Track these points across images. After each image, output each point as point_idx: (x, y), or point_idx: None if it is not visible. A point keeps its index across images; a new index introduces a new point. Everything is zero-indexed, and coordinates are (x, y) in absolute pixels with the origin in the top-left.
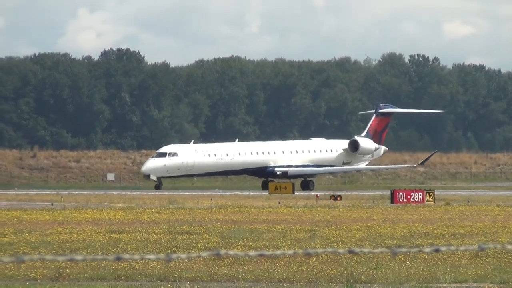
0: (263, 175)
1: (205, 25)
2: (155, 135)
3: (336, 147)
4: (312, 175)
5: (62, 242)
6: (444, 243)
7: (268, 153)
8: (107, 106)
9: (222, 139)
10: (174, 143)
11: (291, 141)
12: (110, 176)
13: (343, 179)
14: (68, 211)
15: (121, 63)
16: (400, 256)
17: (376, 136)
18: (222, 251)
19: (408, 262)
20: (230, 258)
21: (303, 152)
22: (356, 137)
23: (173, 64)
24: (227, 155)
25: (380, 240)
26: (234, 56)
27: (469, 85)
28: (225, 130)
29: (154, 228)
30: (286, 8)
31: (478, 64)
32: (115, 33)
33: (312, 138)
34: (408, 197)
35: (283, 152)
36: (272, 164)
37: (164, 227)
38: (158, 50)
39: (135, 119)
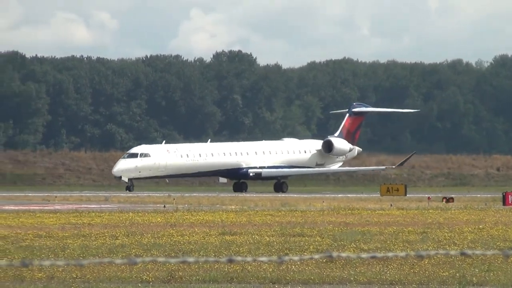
0: (236, 177)
1: (316, 27)
2: (267, 137)
3: (309, 147)
4: (286, 176)
5: (174, 244)
6: None
7: (241, 154)
8: (219, 108)
9: None
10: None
11: (263, 141)
12: (222, 179)
13: (455, 181)
14: (180, 213)
15: (233, 65)
16: None
17: (349, 136)
18: (335, 253)
19: None
20: (342, 260)
21: (276, 153)
22: (330, 138)
23: (284, 66)
24: (200, 156)
25: (492, 242)
26: (346, 58)
27: None
28: None
29: (266, 230)
30: (396, 10)
31: None
32: (227, 34)
33: (284, 139)
34: None
35: (256, 153)
36: (244, 166)
37: (276, 229)
38: (269, 52)
39: (247, 121)
